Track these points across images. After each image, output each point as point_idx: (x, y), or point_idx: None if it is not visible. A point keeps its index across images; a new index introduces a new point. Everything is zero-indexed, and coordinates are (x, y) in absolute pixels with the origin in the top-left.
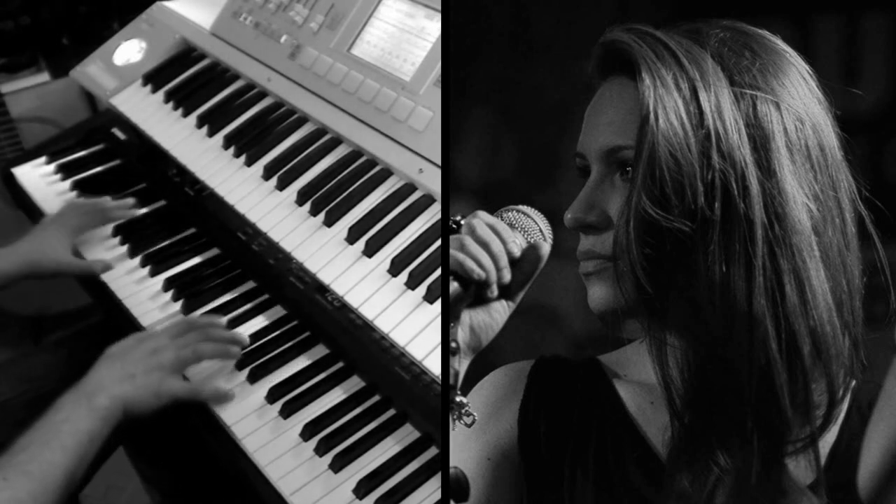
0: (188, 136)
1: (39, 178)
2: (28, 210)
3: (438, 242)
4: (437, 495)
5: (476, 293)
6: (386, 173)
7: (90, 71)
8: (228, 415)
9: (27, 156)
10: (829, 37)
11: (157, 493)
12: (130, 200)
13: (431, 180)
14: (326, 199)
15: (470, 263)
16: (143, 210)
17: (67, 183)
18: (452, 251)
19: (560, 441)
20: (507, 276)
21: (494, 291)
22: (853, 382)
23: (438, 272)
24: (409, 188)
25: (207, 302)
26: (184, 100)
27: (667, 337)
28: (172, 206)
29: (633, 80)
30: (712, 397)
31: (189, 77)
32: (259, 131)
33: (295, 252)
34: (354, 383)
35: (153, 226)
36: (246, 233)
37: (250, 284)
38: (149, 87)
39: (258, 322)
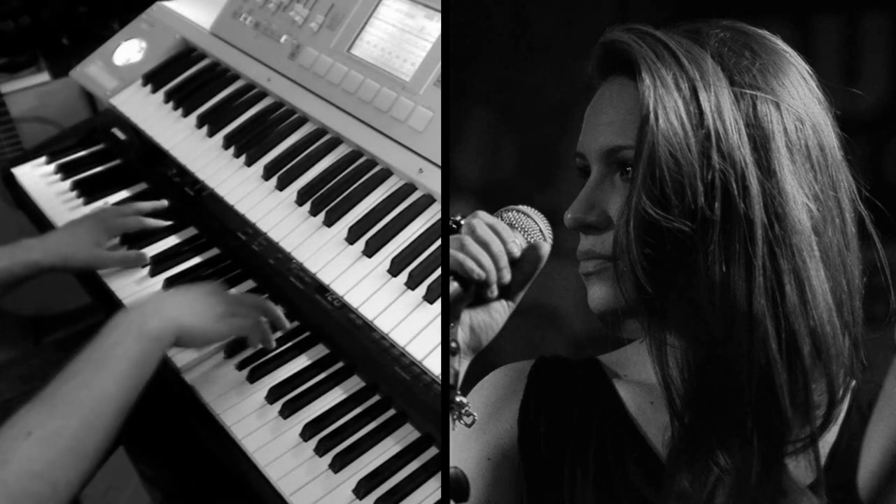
0: (188, 136)
1: (39, 178)
2: (28, 210)
3: (438, 242)
4: (437, 495)
5: (476, 293)
6: (386, 173)
7: (90, 71)
8: (228, 415)
9: (27, 156)
10: (829, 37)
11: (158, 493)
12: (164, 202)
13: (431, 180)
14: (326, 199)
15: (470, 263)
16: None
17: (67, 183)
18: (452, 251)
19: (560, 441)
20: (507, 276)
21: (494, 291)
22: (853, 382)
23: (438, 272)
24: (409, 188)
25: None
26: (184, 100)
27: (667, 337)
28: (172, 206)
29: (633, 80)
30: (712, 397)
31: (189, 77)
32: (259, 131)
33: (295, 252)
34: (354, 383)
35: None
36: (246, 233)
37: (250, 284)
38: (149, 87)
39: None
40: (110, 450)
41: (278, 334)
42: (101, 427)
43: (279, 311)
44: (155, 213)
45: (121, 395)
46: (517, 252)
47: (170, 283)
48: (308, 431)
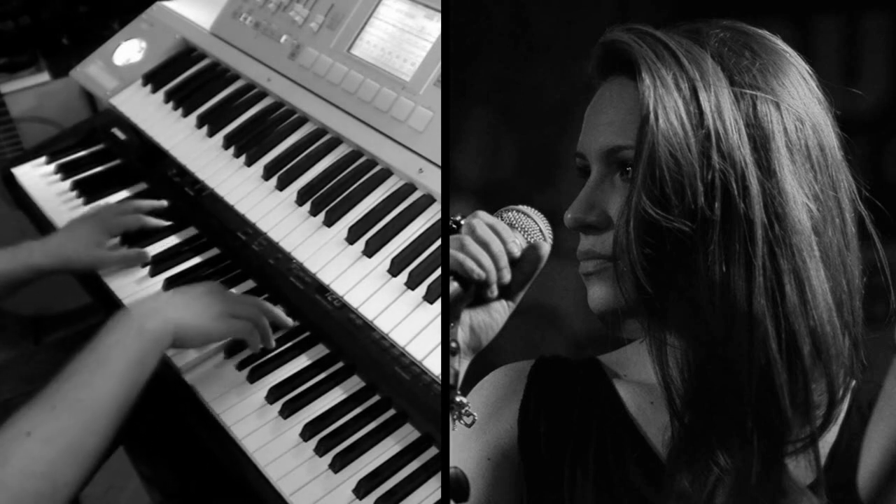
0: (188, 136)
1: (39, 178)
2: (28, 210)
3: (438, 242)
4: (437, 495)
5: (476, 293)
6: (386, 173)
7: (90, 71)
8: (228, 415)
9: (27, 156)
10: (829, 37)
11: (157, 493)
12: (163, 202)
13: (431, 180)
14: (326, 199)
15: (470, 263)
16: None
17: (67, 183)
18: (452, 251)
19: (560, 441)
20: (507, 276)
21: (494, 291)
22: (853, 382)
23: (438, 272)
24: (409, 188)
25: None
26: (184, 100)
27: (667, 337)
28: (172, 206)
29: (633, 80)
30: (712, 397)
31: (189, 77)
32: (259, 131)
33: (295, 252)
34: (354, 383)
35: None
36: (246, 233)
37: (250, 284)
38: (149, 87)
39: None
40: (110, 449)
41: (279, 333)
42: (101, 426)
43: (279, 311)
44: (155, 213)
45: (120, 393)
46: (517, 252)
47: (170, 283)
48: (308, 431)
